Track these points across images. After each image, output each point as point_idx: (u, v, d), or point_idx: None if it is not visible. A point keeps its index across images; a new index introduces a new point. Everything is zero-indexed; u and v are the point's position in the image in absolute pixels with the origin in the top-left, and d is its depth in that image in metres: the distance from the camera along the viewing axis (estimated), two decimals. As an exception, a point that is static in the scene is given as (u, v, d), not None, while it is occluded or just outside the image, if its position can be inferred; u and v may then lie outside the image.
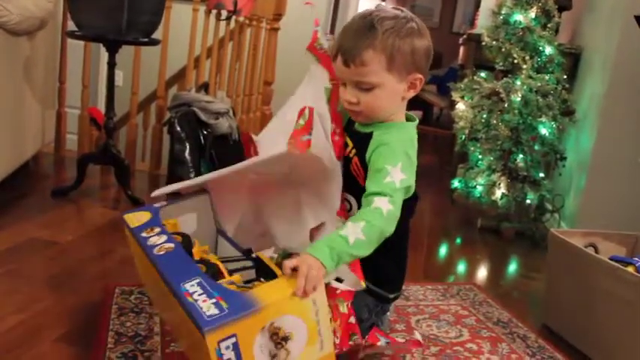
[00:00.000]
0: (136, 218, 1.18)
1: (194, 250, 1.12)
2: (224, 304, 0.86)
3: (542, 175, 2.43)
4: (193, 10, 2.61)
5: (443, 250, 2.31)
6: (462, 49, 3.15)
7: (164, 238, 1.08)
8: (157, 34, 2.28)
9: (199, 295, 0.88)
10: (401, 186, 1.10)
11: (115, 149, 2.27)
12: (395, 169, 1.10)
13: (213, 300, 0.87)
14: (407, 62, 1.13)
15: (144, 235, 1.11)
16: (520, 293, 1.90)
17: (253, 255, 1.16)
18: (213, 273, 1.03)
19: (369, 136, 1.17)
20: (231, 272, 1.07)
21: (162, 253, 1.03)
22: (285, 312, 0.91)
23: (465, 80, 2.51)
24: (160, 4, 2.17)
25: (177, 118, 2.43)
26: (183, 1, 2.75)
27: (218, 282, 0.96)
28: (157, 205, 1.24)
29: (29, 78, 2.25)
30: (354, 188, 1.18)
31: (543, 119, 2.32)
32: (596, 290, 1.44)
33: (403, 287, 1.73)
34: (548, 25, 2.36)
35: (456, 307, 1.65)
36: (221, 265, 1.08)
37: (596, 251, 1.65)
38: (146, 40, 2.16)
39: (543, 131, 2.32)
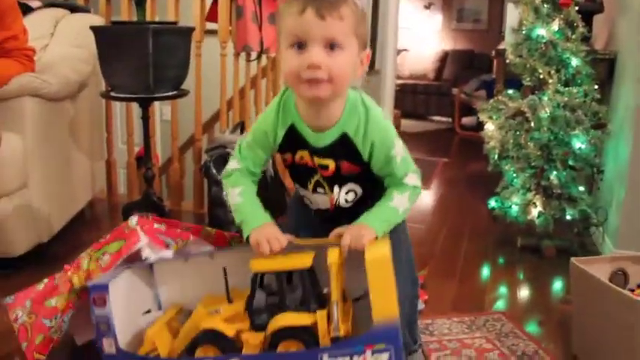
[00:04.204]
0: None
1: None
2: None
3: (581, 189, 2.34)
4: (221, 55, 2.73)
5: (480, 273, 2.27)
6: (494, 63, 3.09)
7: None
8: (190, 80, 2.38)
9: None
10: (405, 152, 1.20)
11: (156, 196, 2.41)
12: (396, 149, 1.18)
13: None
14: (365, 34, 1.13)
15: None
16: (556, 320, 1.85)
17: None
18: None
19: (344, 139, 1.17)
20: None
21: None
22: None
23: (491, 101, 2.48)
24: (185, 57, 2.28)
25: (212, 161, 2.55)
26: (212, 36, 2.85)
27: None
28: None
29: (75, 136, 2.44)
30: (353, 177, 1.22)
31: (577, 132, 2.25)
32: (619, 323, 1.39)
33: (429, 321, 1.76)
34: (573, 37, 2.29)
35: (481, 341, 1.64)
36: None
37: (626, 277, 1.60)
38: (175, 93, 2.28)
39: (578, 145, 2.24)
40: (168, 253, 1.36)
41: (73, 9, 2.78)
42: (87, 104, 2.55)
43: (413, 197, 1.20)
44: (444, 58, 7.59)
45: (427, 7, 7.94)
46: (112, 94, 2.23)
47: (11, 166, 1.98)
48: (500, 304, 1.99)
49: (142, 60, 2.09)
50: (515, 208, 2.37)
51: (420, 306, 1.80)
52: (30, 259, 2.06)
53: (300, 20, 1.04)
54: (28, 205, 2.07)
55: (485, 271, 2.30)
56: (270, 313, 1.14)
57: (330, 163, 1.20)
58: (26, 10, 2.63)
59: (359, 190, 1.25)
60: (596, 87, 2.30)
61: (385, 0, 4.31)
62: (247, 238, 1.18)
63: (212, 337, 1.14)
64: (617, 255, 1.65)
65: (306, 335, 1.10)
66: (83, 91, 2.48)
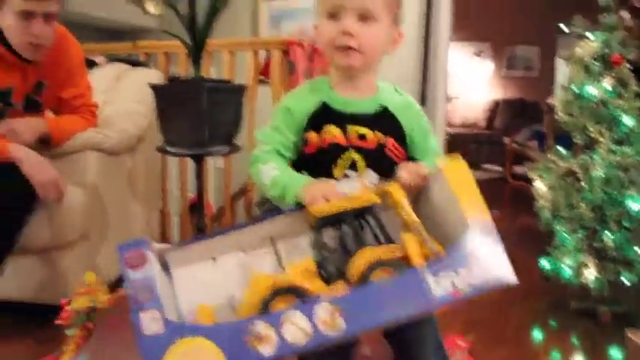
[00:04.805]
0: None
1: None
2: None
3: (638, 251, 2.25)
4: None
5: (532, 339, 2.20)
6: (545, 117, 3.07)
7: None
8: (244, 132, 2.46)
9: None
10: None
11: (206, 247, 2.46)
12: (427, 120, 1.25)
13: None
14: (399, 12, 1.18)
15: None
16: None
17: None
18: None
19: (386, 113, 1.18)
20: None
21: None
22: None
23: (541, 159, 2.44)
24: (238, 114, 2.36)
25: (262, 215, 2.60)
26: (266, 86, 2.93)
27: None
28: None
29: (133, 188, 2.55)
30: (391, 167, 1.13)
31: (632, 192, 2.18)
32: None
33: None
34: (626, 94, 2.25)
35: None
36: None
37: (687, 352, 1.52)
38: (228, 149, 2.35)
39: (633, 206, 2.17)
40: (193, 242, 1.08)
41: (135, 64, 2.94)
42: (144, 157, 2.67)
43: None
44: (495, 107, 7.55)
45: (477, 54, 7.97)
46: (168, 148, 2.32)
47: (73, 218, 2.08)
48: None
49: (197, 117, 2.17)
50: (567, 270, 2.30)
51: (467, 375, 1.76)
52: (86, 309, 2.14)
53: None
54: (87, 255, 2.16)
55: (537, 336, 2.22)
56: (344, 259, 0.99)
57: (368, 133, 1.15)
58: (91, 65, 2.81)
59: None
60: (652, 146, 2.24)
61: (435, 47, 4.36)
62: (295, 200, 1.08)
63: (288, 290, 0.94)
64: (677, 328, 1.57)
65: (402, 265, 0.96)
66: (141, 143, 2.60)
